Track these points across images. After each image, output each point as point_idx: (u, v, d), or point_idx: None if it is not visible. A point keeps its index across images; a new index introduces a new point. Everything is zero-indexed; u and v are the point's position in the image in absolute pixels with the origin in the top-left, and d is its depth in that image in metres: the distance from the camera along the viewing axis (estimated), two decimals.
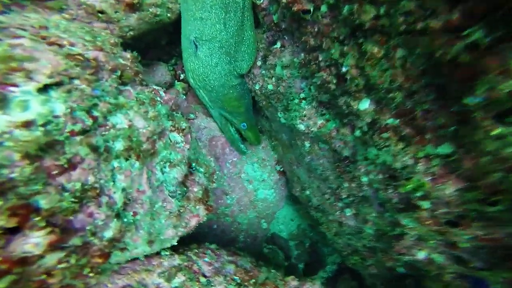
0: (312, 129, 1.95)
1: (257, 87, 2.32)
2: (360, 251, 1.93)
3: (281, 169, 3.13)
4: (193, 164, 1.72)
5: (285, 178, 3.19)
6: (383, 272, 1.79)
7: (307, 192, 2.50)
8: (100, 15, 1.54)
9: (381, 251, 1.64)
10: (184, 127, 1.43)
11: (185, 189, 1.51)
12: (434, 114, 1.04)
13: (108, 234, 1.01)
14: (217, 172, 2.67)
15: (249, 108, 2.33)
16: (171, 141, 1.32)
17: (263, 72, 2.18)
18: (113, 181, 1.03)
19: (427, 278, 1.35)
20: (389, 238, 1.48)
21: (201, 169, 1.79)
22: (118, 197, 1.04)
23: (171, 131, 1.35)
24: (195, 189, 1.59)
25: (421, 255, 1.29)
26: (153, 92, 1.35)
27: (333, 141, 1.86)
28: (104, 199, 0.99)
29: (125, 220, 1.08)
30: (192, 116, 2.60)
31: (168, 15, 1.92)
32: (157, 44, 2.37)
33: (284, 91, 2.12)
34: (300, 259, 3.30)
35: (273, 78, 2.13)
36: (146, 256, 1.45)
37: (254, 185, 2.93)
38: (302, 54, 1.76)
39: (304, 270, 3.22)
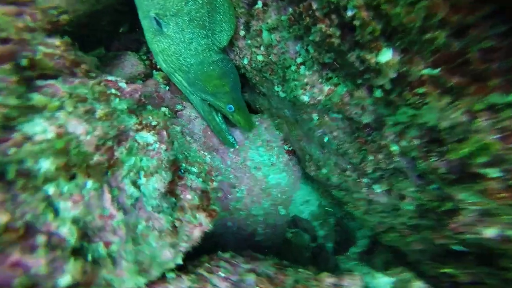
0: (318, 99, 1.64)
1: (245, 61, 1.98)
2: (399, 229, 1.70)
3: (290, 148, 2.86)
4: (182, 165, 1.47)
5: (296, 157, 2.93)
6: (431, 248, 1.56)
7: (324, 171, 2.23)
8: None
9: (428, 228, 1.40)
10: (155, 122, 1.15)
11: (174, 199, 1.27)
12: (504, 53, 0.74)
13: (65, 280, 0.78)
14: (220, 165, 2.42)
15: (235, 87, 2.01)
16: (139, 144, 1.05)
17: (249, 42, 1.84)
18: (54, 213, 0.78)
19: (502, 257, 1.10)
20: (438, 214, 1.23)
21: (194, 169, 1.53)
22: (69, 231, 0.80)
23: (137, 130, 1.07)
24: (189, 196, 1.34)
25: (490, 232, 1.03)
26: (103, 84, 1.05)
27: (347, 108, 1.55)
28: (40, 238, 0.75)
29: (93, 255, 0.86)
30: (179, 107, 2.31)
31: None
32: (117, 31, 2.04)
33: (277, 59, 1.79)
34: (328, 239, 3.10)
35: (262, 47, 1.79)
36: (149, 284, 1.26)
37: (263, 171, 2.68)
38: (290, 8, 1.41)
39: (334, 249, 3.05)
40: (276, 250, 2.87)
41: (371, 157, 1.51)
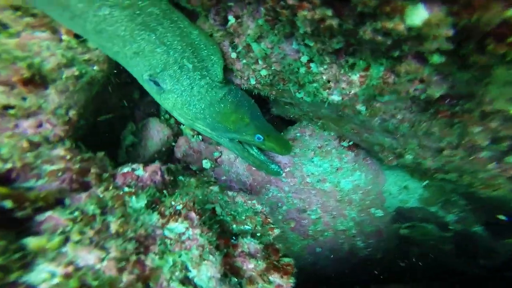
0: (352, 93, 1.31)
1: (252, 81, 1.78)
2: None
3: (351, 143, 2.48)
4: (233, 228, 1.33)
5: (363, 150, 2.53)
6: None
7: (409, 157, 1.83)
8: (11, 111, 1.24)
9: None
10: (180, 206, 1.04)
11: (235, 277, 1.13)
12: None
13: None
14: (279, 195, 2.22)
15: (254, 114, 1.84)
16: (171, 239, 0.96)
17: (244, 61, 1.64)
18: None
19: None
20: None
21: (247, 227, 1.39)
22: None
23: (163, 225, 0.98)
24: (251, 265, 1.19)
25: None
26: (113, 187, 0.99)
27: (399, 88, 1.19)
28: None
29: None
30: (216, 154, 2.24)
31: (95, 68, 1.56)
32: (133, 102, 2.12)
33: (281, 67, 1.53)
34: (468, 221, 2.53)
35: (259, 61, 1.57)
36: None
37: (330, 181, 2.37)
38: (262, 8, 1.16)
39: (491, 233, 2.46)
40: (394, 257, 2.47)
41: (477, 129, 1.26)
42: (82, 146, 1.25)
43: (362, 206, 2.46)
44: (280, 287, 1.32)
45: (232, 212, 1.43)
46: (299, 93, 1.76)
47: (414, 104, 1.39)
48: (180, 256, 0.94)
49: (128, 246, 0.83)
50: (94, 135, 1.86)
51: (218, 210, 1.38)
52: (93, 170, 1.06)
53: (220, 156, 2.24)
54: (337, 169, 2.41)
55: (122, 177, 1.19)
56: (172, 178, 1.38)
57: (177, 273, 0.93)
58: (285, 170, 2.27)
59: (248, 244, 1.29)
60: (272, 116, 2.60)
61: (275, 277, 1.30)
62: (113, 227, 0.86)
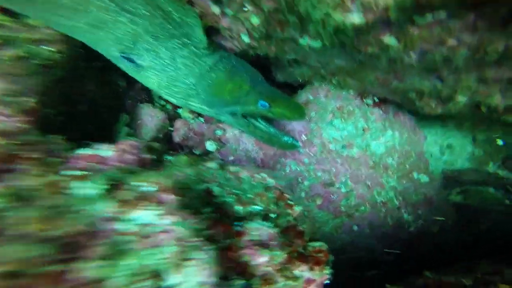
0: (380, 5, 0.89)
1: (246, 38, 1.38)
2: None
3: (376, 99, 2.02)
4: (237, 211, 0.97)
5: (392, 104, 2.05)
6: None
7: (462, 99, 1.37)
8: None
9: None
10: (154, 187, 0.71)
11: (241, 280, 0.79)
12: None
13: None
14: (298, 169, 1.83)
15: (254, 79, 1.50)
16: (132, 234, 0.63)
17: (230, 12, 1.26)
18: None
19: None
20: None
21: (257, 207, 1.02)
22: None
23: (119, 215, 0.65)
24: (264, 259, 0.84)
25: None
26: (53, 175, 0.66)
27: None
28: None
29: None
30: (219, 132, 1.90)
31: (51, 49, 1.26)
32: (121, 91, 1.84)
33: (275, 3, 1.13)
34: None
35: (247, 5, 1.18)
36: None
37: (358, 145, 1.94)
38: None
39: None
40: (455, 230, 2.00)
41: None
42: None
43: (402, 172, 2.00)
44: (312, 283, 0.96)
45: (236, 191, 1.08)
46: (303, 38, 1.34)
47: (480, 19, 0.93)
48: (144, 258, 0.62)
49: (33, 254, 0.51)
50: (76, 129, 1.60)
51: (216, 189, 1.03)
52: (32, 155, 0.77)
53: (224, 134, 1.90)
54: (364, 131, 1.97)
55: (79, 160, 0.89)
56: (155, 157, 1.07)
57: (140, 284, 0.61)
58: (302, 139, 1.87)
59: (259, 230, 0.93)
60: (277, 85, 2.20)
61: (302, 270, 0.94)
62: (20, 225, 0.56)
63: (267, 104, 1.47)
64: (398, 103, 1.96)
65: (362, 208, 1.90)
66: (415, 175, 2.03)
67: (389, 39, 1.18)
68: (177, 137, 1.86)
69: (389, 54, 1.31)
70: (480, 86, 1.37)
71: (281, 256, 0.91)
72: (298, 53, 1.53)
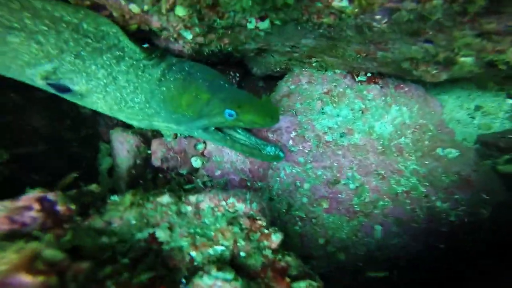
0: None
1: (188, 35, 1.16)
2: None
3: (369, 74, 1.70)
4: (192, 262, 0.71)
5: (391, 77, 1.72)
6: None
7: (467, 60, 1.17)
8: None
9: None
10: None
11: None
12: None
13: None
14: (294, 170, 1.52)
15: (215, 86, 1.23)
16: None
17: (151, 9, 1.07)
18: None
19: None
20: None
21: (219, 248, 0.74)
22: None
23: None
24: None
25: None
26: None
27: None
28: None
29: None
30: (200, 146, 1.67)
31: None
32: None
33: None
34: None
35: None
36: None
37: (359, 129, 1.61)
38: None
39: None
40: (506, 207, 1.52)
41: None
42: None
43: (422, 150, 1.60)
44: None
45: (192, 230, 0.80)
46: (249, 22, 1.13)
47: None
48: None
49: None
50: (47, 169, 1.47)
51: (162, 235, 0.77)
52: None
53: (205, 148, 1.68)
54: (363, 112, 1.64)
55: None
56: (74, 208, 0.83)
57: None
58: (291, 136, 1.58)
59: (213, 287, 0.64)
60: (258, 82, 1.98)
61: None
62: None
63: (233, 112, 1.19)
64: (397, 75, 1.64)
65: (381, 203, 1.52)
66: (439, 151, 1.62)
67: (339, 3, 0.96)
68: (155, 161, 1.66)
69: (350, 22, 1.07)
70: (485, 42, 1.07)
71: None
72: (257, 40, 1.30)
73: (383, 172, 1.55)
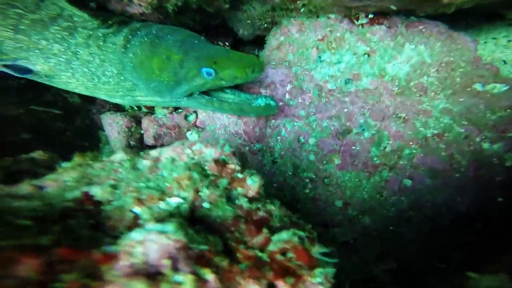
0: None
1: None
2: None
3: (371, 16, 1.42)
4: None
5: (397, 16, 1.42)
6: None
7: None
8: None
9: None
10: None
11: None
12: None
13: None
14: (296, 124, 1.23)
15: (187, 44, 1.05)
16: None
17: None
18: None
19: None
20: None
21: (173, 201, 0.54)
22: None
23: None
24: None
25: None
26: None
27: None
28: None
29: None
30: (191, 118, 1.48)
31: None
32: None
33: None
34: None
35: None
36: None
37: (366, 73, 1.30)
38: None
39: None
40: None
41: None
42: None
43: (453, 88, 1.25)
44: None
45: (143, 184, 0.59)
46: None
47: None
48: None
49: None
50: None
51: (98, 192, 0.56)
52: None
53: (196, 117, 1.48)
54: (369, 55, 1.35)
55: None
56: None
57: None
58: (287, 90, 1.33)
59: (145, 244, 0.40)
60: (253, 51, 1.77)
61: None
62: None
63: (211, 70, 1.00)
64: (407, 9, 1.35)
65: (406, 151, 1.16)
66: (477, 87, 1.26)
67: None
68: (148, 139, 1.49)
69: None
70: None
71: (191, 283, 0.39)
72: None
73: (403, 115, 1.21)
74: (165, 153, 0.68)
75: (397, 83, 1.25)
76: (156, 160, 0.68)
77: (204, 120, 1.40)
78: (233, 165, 0.63)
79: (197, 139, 1.43)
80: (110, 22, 1.05)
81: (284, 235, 0.50)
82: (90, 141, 1.57)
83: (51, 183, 0.60)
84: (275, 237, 0.50)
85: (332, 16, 1.38)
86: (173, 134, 1.46)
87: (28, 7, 0.95)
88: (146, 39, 1.04)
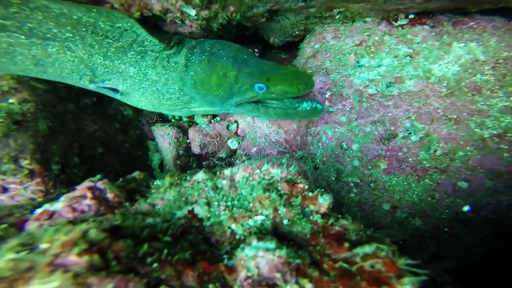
0: None
1: (191, 12, 1.02)
2: None
3: (412, 15, 1.32)
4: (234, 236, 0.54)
5: (444, 14, 1.31)
6: None
7: None
8: None
9: None
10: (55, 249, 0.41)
11: None
12: None
13: None
14: (337, 130, 1.19)
15: (240, 61, 1.09)
16: None
17: None
18: None
19: None
20: None
21: (259, 218, 0.57)
22: None
23: None
24: None
25: None
26: None
27: None
28: None
29: None
30: (233, 127, 1.50)
31: (12, 101, 1.06)
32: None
33: None
34: None
35: None
36: None
37: (410, 75, 1.21)
38: None
39: None
40: None
41: None
42: None
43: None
44: None
45: (230, 203, 0.63)
46: None
47: None
48: None
49: None
50: (108, 171, 1.48)
51: (200, 210, 0.63)
52: None
53: (237, 127, 1.51)
54: (411, 57, 1.26)
55: (34, 221, 0.65)
56: (121, 194, 0.76)
57: None
58: (326, 97, 1.30)
59: (255, 258, 0.45)
60: (280, 54, 1.75)
61: None
62: None
63: (264, 86, 1.03)
64: (456, 8, 1.25)
65: (460, 153, 1.06)
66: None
67: None
68: (195, 148, 1.55)
69: None
70: None
71: None
72: (263, 0, 1.12)
73: (454, 116, 1.11)
74: (238, 172, 0.73)
75: (445, 84, 1.15)
76: (231, 179, 0.73)
77: (245, 129, 1.42)
78: (302, 184, 0.65)
79: (237, 146, 1.47)
80: (171, 44, 1.10)
81: (367, 248, 0.50)
82: (142, 150, 1.68)
83: (159, 202, 0.68)
84: (359, 250, 0.50)
85: (369, 19, 1.32)
86: (216, 142, 1.51)
87: (115, 36, 1.05)
88: (204, 57, 1.09)
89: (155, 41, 1.06)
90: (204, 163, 1.55)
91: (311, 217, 0.53)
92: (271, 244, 0.47)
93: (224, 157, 1.47)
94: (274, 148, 1.29)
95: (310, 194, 0.58)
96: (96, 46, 1.04)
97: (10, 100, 1.09)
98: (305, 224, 0.51)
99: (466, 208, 1.02)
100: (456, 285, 0.83)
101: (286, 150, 1.26)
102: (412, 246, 1.01)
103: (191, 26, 1.08)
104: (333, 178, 1.14)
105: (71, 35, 1.01)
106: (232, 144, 1.42)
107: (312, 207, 0.56)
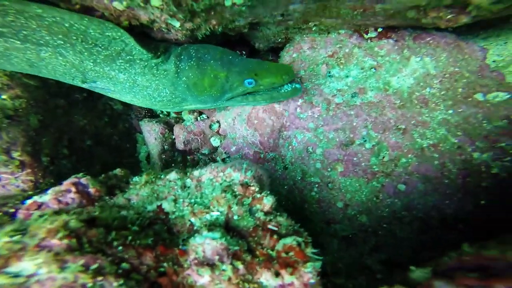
0: None
1: (175, 23, 1.05)
2: None
3: (380, 29, 1.41)
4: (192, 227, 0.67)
5: (406, 30, 1.41)
6: None
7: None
8: None
9: None
10: (39, 234, 0.53)
11: None
12: None
13: None
14: (305, 135, 1.32)
15: (226, 61, 1.16)
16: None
17: (130, 3, 0.97)
18: None
19: None
20: None
21: (215, 214, 0.69)
22: None
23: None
24: (205, 279, 0.54)
25: None
26: None
27: None
28: None
29: None
30: (215, 126, 1.60)
31: (4, 97, 1.09)
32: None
33: None
34: None
35: None
36: None
37: (372, 87, 1.34)
38: None
39: None
40: None
41: None
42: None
43: (454, 99, 1.26)
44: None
45: (193, 200, 0.75)
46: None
47: None
48: None
49: None
50: (96, 163, 1.56)
51: (168, 206, 0.73)
52: None
53: (219, 126, 1.60)
54: (375, 69, 1.37)
55: (25, 210, 0.73)
56: (101, 189, 0.84)
57: None
58: (297, 104, 1.40)
59: (202, 245, 0.59)
60: (267, 56, 1.82)
61: (267, 279, 0.57)
62: None
63: (252, 80, 1.14)
64: (415, 26, 1.33)
65: (403, 160, 1.23)
66: (478, 96, 1.26)
67: None
68: (179, 144, 1.64)
69: None
70: None
71: (230, 270, 0.57)
72: (243, 15, 1.10)
73: (403, 126, 1.26)
74: (205, 174, 0.85)
75: (399, 96, 1.28)
76: (198, 180, 0.84)
77: (226, 129, 1.52)
78: (254, 187, 0.77)
79: (219, 144, 1.57)
80: (158, 53, 1.14)
81: (288, 240, 0.65)
82: (130, 143, 1.76)
83: (134, 197, 0.79)
84: (281, 241, 0.66)
85: (342, 31, 1.39)
86: (199, 139, 1.60)
87: (104, 45, 1.08)
88: (192, 62, 1.15)
89: (143, 51, 1.09)
90: (189, 157, 1.66)
91: (256, 214, 0.68)
92: (217, 234, 0.60)
93: (207, 153, 1.58)
94: (251, 149, 1.41)
95: (258, 195, 0.72)
96: (86, 53, 1.07)
97: (3, 96, 1.13)
98: (250, 220, 0.66)
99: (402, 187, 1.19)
100: (385, 272, 1.03)
101: (261, 151, 1.38)
102: (358, 240, 1.20)
103: (177, 35, 1.13)
104: (299, 178, 1.29)
105: (62, 42, 1.04)
106: (215, 142, 1.52)
107: (258, 206, 0.70)
